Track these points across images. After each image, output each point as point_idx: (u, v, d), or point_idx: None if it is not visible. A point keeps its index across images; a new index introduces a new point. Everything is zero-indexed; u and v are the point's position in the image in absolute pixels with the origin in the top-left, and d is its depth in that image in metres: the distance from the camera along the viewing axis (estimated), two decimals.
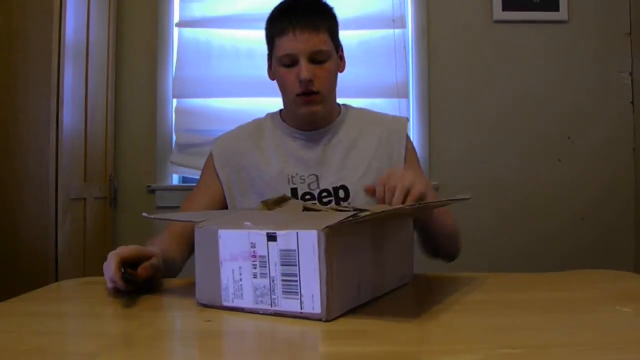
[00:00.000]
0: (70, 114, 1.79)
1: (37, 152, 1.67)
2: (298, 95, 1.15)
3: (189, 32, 2.35)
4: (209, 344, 0.61)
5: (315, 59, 1.14)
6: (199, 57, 2.33)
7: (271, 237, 0.69)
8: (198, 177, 2.30)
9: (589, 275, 1.02)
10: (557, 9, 2.38)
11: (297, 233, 0.68)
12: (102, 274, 0.83)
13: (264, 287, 0.70)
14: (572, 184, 2.38)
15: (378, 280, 0.80)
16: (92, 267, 1.94)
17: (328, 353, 0.56)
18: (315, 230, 0.66)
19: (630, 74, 2.41)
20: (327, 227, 0.66)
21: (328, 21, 1.18)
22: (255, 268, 0.71)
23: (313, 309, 0.67)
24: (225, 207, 1.22)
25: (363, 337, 0.62)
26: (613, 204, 2.39)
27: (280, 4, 1.19)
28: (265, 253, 0.70)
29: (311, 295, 0.67)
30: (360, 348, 0.58)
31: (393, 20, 2.34)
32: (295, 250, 0.68)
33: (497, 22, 2.40)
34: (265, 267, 0.70)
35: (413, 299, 0.79)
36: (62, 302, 0.83)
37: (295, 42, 1.12)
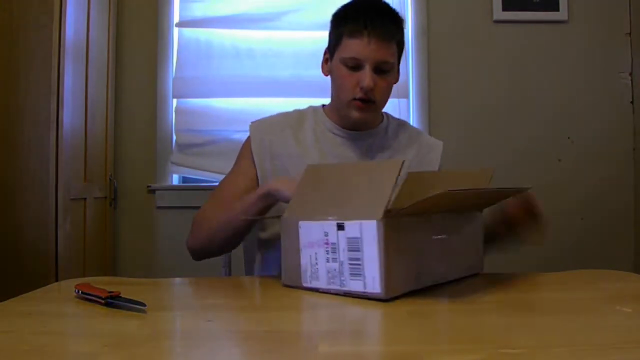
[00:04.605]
0: (70, 114, 1.79)
1: (37, 152, 1.67)
2: (355, 99, 1.16)
3: (189, 32, 2.35)
4: (209, 344, 0.61)
5: (380, 68, 1.15)
6: (199, 57, 2.33)
7: (340, 227, 0.80)
8: (198, 177, 2.34)
9: (589, 275, 1.02)
10: (557, 9, 2.39)
11: (360, 223, 0.77)
12: (101, 274, 0.83)
13: (335, 270, 0.81)
14: (572, 184, 2.38)
15: (441, 268, 0.87)
16: (92, 267, 1.94)
17: (328, 353, 0.56)
18: (375, 220, 0.76)
19: (630, 74, 2.41)
20: (384, 217, 0.75)
21: (399, 34, 1.19)
22: (327, 253, 0.81)
23: (374, 288, 0.77)
24: None
25: (363, 337, 0.62)
26: (613, 204, 2.39)
27: (355, 3, 1.18)
28: (335, 240, 0.80)
29: (372, 277, 0.77)
30: (360, 348, 0.58)
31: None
32: (359, 238, 0.78)
33: (497, 22, 2.40)
34: (336, 252, 0.81)
35: (413, 298, 0.79)
36: (62, 302, 0.83)
37: (366, 49, 1.12)
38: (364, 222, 0.77)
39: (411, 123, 2.36)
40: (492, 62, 2.40)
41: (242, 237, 1.15)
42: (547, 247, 2.36)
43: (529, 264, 2.31)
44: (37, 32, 1.68)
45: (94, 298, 0.77)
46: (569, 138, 2.40)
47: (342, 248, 0.80)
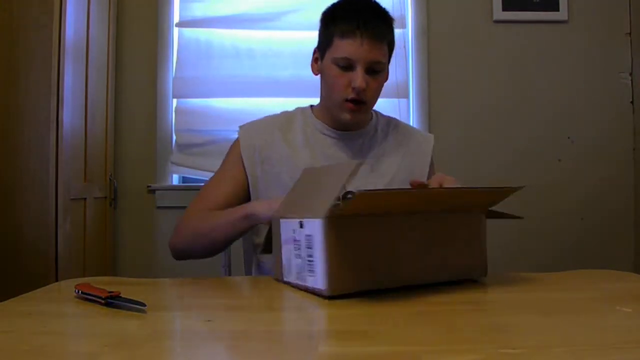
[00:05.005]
0: (70, 114, 1.79)
1: (37, 152, 1.67)
2: (346, 100, 1.15)
3: (189, 32, 2.35)
4: (209, 344, 0.61)
5: (372, 69, 1.14)
6: (199, 57, 2.33)
7: (301, 225, 0.83)
8: (198, 177, 2.34)
9: (589, 275, 1.02)
10: (557, 9, 2.39)
11: (313, 221, 0.79)
12: (101, 274, 0.83)
13: (300, 265, 0.84)
14: (572, 184, 2.38)
15: (416, 270, 0.85)
16: (92, 267, 1.94)
17: (328, 353, 0.56)
18: (319, 218, 0.77)
19: (630, 74, 2.41)
20: (328, 215, 0.76)
21: (391, 34, 1.19)
22: (295, 250, 0.85)
23: (321, 285, 0.78)
24: (249, 197, 1.22)
25: (363, 337, 0.62)
26: (613, 204, 2.39)
27: (346, 2, 1.17)
28: (300, 237, 0.83)
29: (320, 273, 0.78)
30: (360, 348, 0.58)
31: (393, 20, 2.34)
32: (312, 236, 0.80)
33: (497, 22, 2.40)
34: (300, 249, 0.83)
35: (413, 298, 0.79)
36: (62, 302, 0.83)
37: (358, 49, 1.11)
38: (314, 220, 0.79)
39: (411, 123, 2.36)
40: (492, 62, 2.40)
41: (222, 247, 1.18)
42: (547, 247, 2.37)
43: (529, 264, 2.32)
44: (37, 32, 1.68)
45: (94, 298, 0.77)
46: (569, 138, 2.40)
47: (303, 245, 0.82)
